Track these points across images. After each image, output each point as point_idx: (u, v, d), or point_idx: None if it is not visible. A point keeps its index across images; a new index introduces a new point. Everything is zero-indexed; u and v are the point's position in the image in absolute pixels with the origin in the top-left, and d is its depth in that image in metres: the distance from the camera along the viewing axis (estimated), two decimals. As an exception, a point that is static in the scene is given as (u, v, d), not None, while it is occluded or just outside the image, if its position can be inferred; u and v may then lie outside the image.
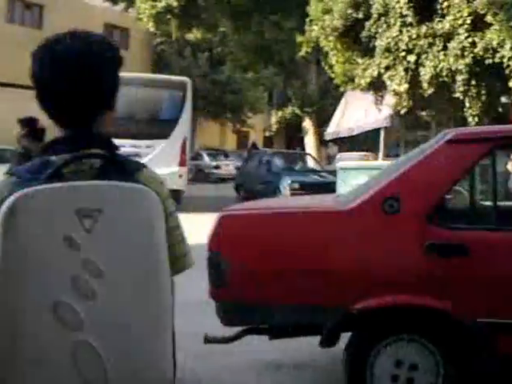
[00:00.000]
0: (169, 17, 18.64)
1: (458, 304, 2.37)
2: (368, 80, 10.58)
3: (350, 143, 21.64)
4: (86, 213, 0.85)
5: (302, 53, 15.37)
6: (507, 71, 8.85)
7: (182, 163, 10.45)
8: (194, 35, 22.10)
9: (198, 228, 5.35)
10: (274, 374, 3.14)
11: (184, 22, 18.90)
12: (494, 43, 8.80)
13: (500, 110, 9.95)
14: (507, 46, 8.67)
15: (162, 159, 10.04)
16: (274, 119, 22.95)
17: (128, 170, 0.94)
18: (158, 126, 10.57)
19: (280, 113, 21.95)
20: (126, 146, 9.84)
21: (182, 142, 10.51)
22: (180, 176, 10.34)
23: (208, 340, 2.72)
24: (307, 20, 12.93)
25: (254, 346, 3.11)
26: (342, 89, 13.23)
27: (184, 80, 11.55)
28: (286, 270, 2.54)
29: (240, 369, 3.18)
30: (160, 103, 11.16)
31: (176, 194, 10.59)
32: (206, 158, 21.65)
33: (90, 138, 0.97)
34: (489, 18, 8.91)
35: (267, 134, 27.13)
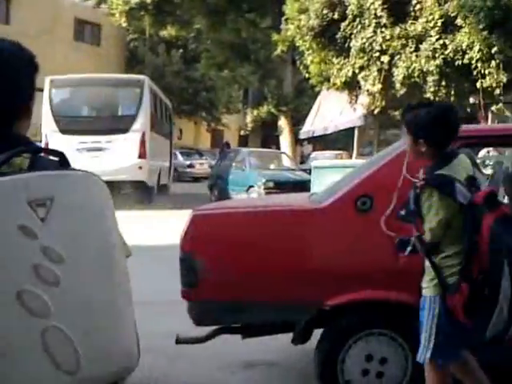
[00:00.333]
0: (142, 13, 18.42)
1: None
2: (343, 80, 10.69)
3: (325, 142, 21.84)
4: (38, 202, 0.86)
5: (278, 52, 15.43)
6: (475, 72, 9.08)
7: (141, 156, 11.08)
8: (168, 32, 21.89)
9: (169, 227, 5.31)
10: (246, 372, 3.14)
11: (158, 18, 18.72)
12: (464, 45, 9.02)
13: (468, 110, 10.22)
14: (476, 48, 8.90)
15: (122, 152, 10.77)
16: (249, 118, 22.98)
17: (66, 162, 0.97)
18: (117, 122, 11.26)
19: (255, 112, 21.99)
20: (87, 141, 10.69)
21: (141, 135, 11.13)
22: (140, 168, 11.00)
23: (180, 341, 2.69)
24: (283, 19, 12.98)
25: (227, 344, 3.10)
26: (317, 88, 13.34)
27: (141, 78, 12.22)
28: (259, 269, 2.55)
29: (212, 367, 3.17)
30: (118, 101, 11.86)
31: (138, 185, 11.27)
32: (180, 157, 21.48)
33: (13, 139, 0.98)
34: (459, 21, 9.12)
35: (242, 132, 27.11)
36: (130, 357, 0.92)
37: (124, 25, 19.33)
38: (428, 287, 2.06)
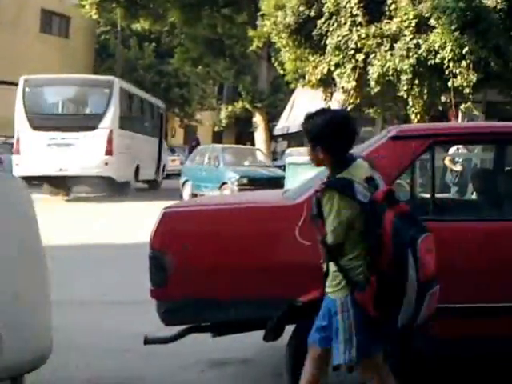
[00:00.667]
0: (114, 5, 18.03)
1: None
2: (318, 77, 10.74)
3: (299, 138, 21.94)
4: None
5: (253, 47, 15.39)
6: (447, 72, 9.27)
7: (107, 152, 11.60)
8: (141, 25, 21.51)
9: (140, 226, 5.23)
10: (218, 369, 3.11)
11: (130, 11, 18.36)
12: (436, 45, 9.19)
13: (440, 108, 10.43)
14: (448, 48, 9.08)
15: (89, 149, 11.31)
16: (223, 114, 22.89)
17: None
18: (85, 120, 11.88)
19: (230, 108, 21.90)
20: (57, 138, 11.19)
21: (109, 133, 11.67)
22: (106, 164, 11.50)
23: (148, 341, 2.63)
24: (259, 15, 12.95)
25: (198, 343, 3.07)
26: (292, 85, 13.37)
27: (110, 79, 12.95)
28: (230, 267, 2.51)
29: (182, 366, 3.13)
30: (88, 100, 12.52)
31: (106, 181, 11.65)
32: (151, 154, 21.14)
33: None
34: (432, 22, 9.29)
35: (216, 128, 26.97)
36: (45, 346, 0.94)
37: (94, 17, 18.87)
38: (335, 291, 2.08)
